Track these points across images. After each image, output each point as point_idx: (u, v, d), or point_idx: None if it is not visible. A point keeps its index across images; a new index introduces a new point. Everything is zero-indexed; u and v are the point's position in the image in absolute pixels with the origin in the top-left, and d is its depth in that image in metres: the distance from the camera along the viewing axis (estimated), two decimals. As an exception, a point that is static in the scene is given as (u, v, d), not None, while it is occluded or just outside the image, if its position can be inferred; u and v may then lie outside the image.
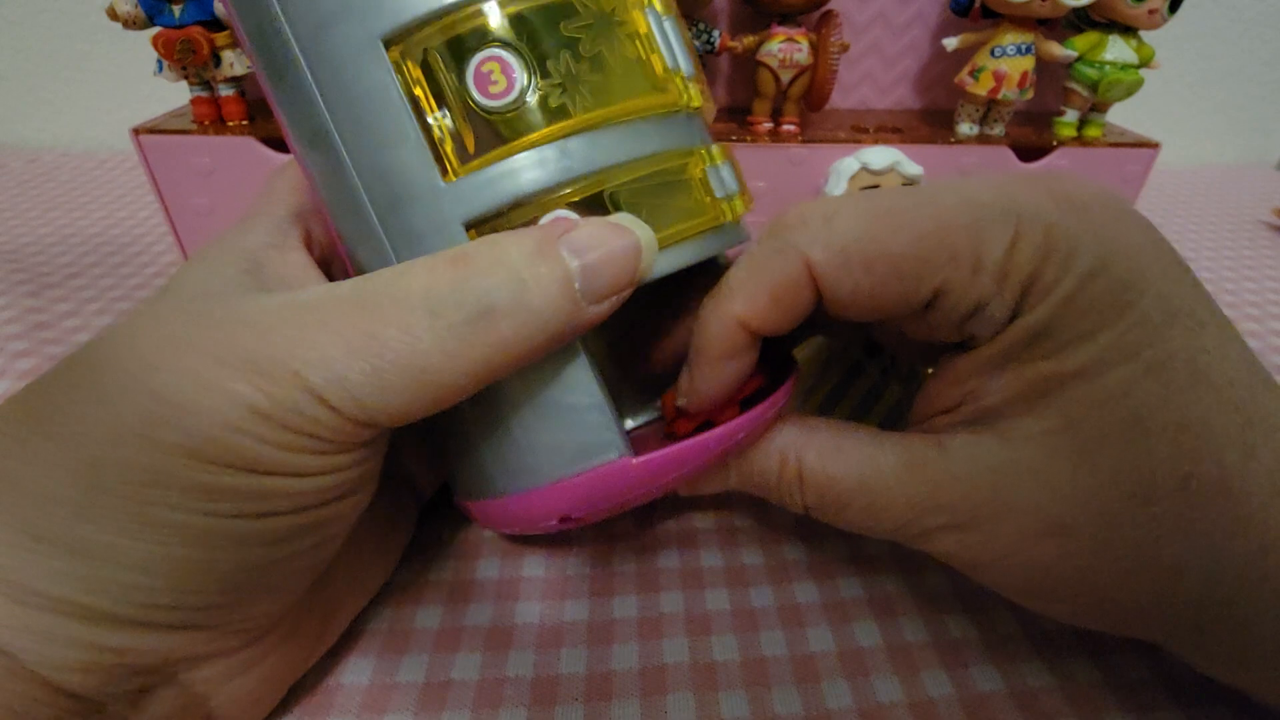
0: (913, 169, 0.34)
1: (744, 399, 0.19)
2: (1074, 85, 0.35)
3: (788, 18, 0.33)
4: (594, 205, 0.15)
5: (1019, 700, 0.18)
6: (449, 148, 0.15)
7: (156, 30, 0.31)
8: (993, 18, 0.34)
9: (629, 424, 0.22)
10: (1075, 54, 0.34)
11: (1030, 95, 0.35)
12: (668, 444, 0.17)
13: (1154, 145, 0.36)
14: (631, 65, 0.16)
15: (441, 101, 0.15)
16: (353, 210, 0.16)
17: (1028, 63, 0.34)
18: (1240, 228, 0.48)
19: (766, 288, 0.16)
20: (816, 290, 0.16)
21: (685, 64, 0.18)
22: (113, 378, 0.13)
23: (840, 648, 0.19)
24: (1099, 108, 0.36)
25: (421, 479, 0.22)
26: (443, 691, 0.18)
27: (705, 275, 0.20)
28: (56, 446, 0.12)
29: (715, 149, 0.18)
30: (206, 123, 0.34)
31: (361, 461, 0.15)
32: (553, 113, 0.15)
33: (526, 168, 0.15)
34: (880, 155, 0.33)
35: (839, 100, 0.40)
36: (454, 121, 0.15)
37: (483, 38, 0.15)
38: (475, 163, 0.15)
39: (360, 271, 0.17)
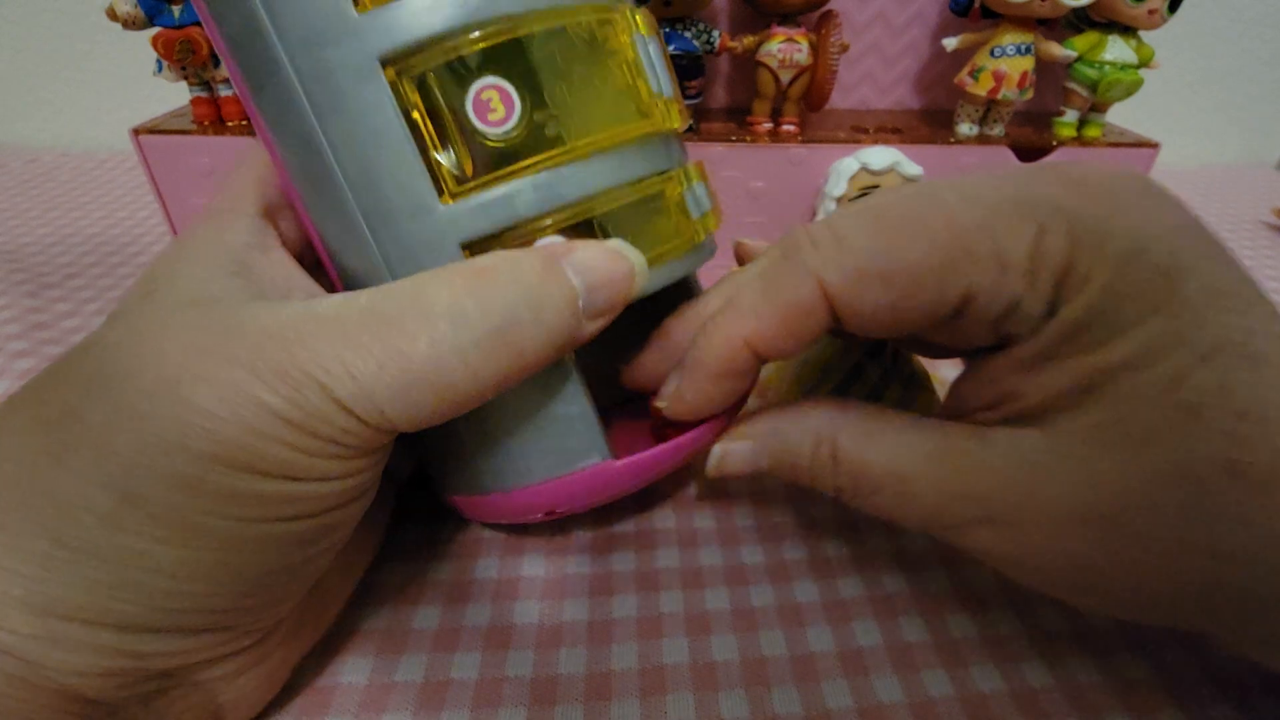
0: (912, 169, 0.34)
1: None
2: (1074, 85, 0.35)
3: (788, 18, 0.33)
4: (583, 229, 0.16)
5: (1019, 700, 0.18)
6: (446, 171, 0.15)
7: (156, 30, 0.31)
8: (992, 18, 0.34)
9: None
10: (1075, 54, 0.34)
11: (1030, 95, 0.35)
12: (647, 446, 0.19)
13: (1154, 145, 0.36)
14: (620, 92, 0.17)
15: (439, 125, 0.15)
16: (340, 219, 0.16)
17: (1027, 63, 0.34)
18: (1240, 228, 0.48)
19: (779, 311, 0.16)
20: (830, 313, 0.16)
21: (666, 86, 0.18)
22: (138, 385, 0.13)
23: (840, 647, 0.19)
24: (1099, 108, 0.36)
25: (397, 460, 0.22)
26: (441, 691, 0.18)
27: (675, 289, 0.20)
28: (85, 456, 0.12)
29: (691, 167, 0.19)
30: (206, 123, 0.34)
31: (376, 464, 0.15)
32: (549, 141, 0.15)
33: (522, 193, 0.16)
34: (880, 155, 0.33)
35: (839, 100, 0.40)
36: (452, 146, 0.15)
37: (482, 65, 0.15)
38: (472, 185, 0.15)
39: (348, 275, 0.17)
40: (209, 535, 0.13)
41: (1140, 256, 0.14)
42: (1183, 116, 0.62)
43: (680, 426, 0.19)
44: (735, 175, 0.35)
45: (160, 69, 0.32)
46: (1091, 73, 0.34)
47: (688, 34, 0.33)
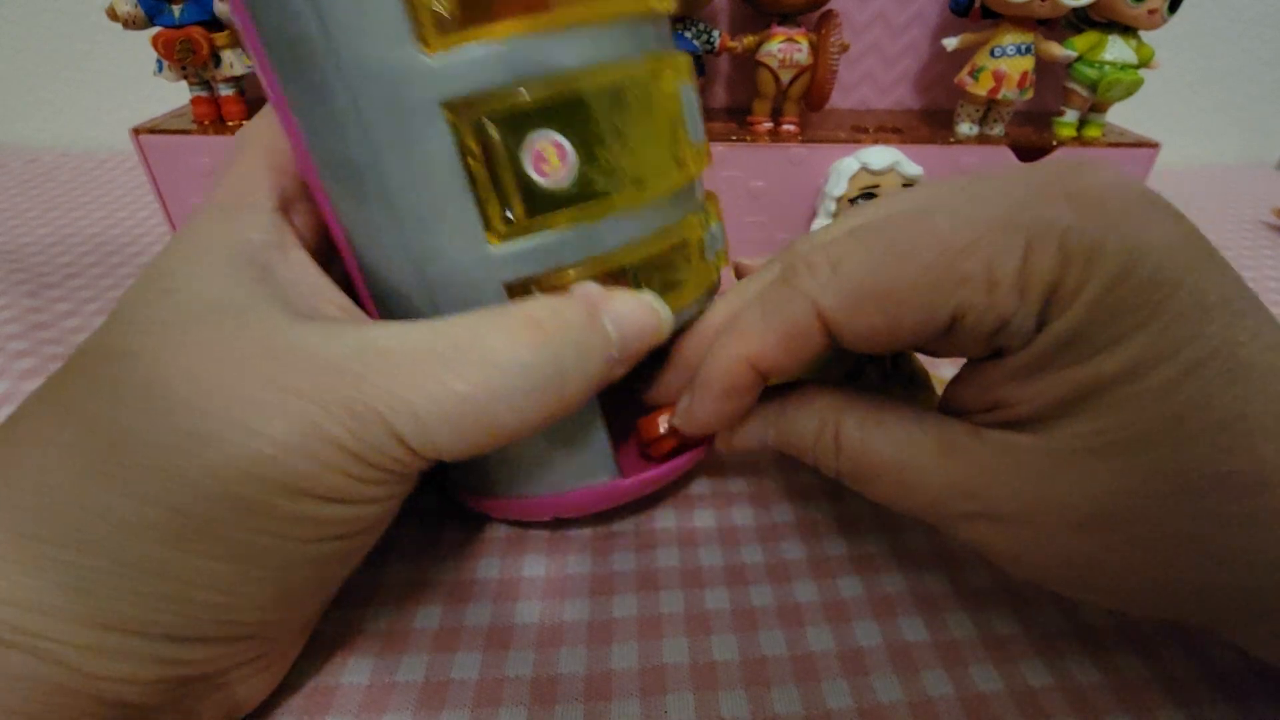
0: (912, 169, 0.34)
1: None
2: (1074, 85, 0.35)
3: (788, 18, 0.33)
4: (618, 276, 0.17)
5: (1019, 700, 0.18)
6: (495, 213, 0.16)
7: (156, 30, 0.31)
8: (992, 18, 0.34)
9: None
10: (1075, 54, 0.34)
11: (1030, 95, 0.35)
12: (650, 465, 0.21)
13: (1154, 145, 0.36)
14: (663, 142, 0.17)
15: (494, 171, 0.15)
16: (384, 243, 0.17)
17: (1027, 63, 0.34)
18: (1240, 228, 0.48)
19: (778, 333, 0.17)
20: (826, 334, 0.16)
21: (699, 131, 0.19)
22: (197, 407, 0.13)
23: (840, 647, 0.19)
24: (1099, 108, 0.36)
25: None
26: (442, 691, 0.18)
27: None
28: (147, 478, 0.13)
29: (710, 207, 0.20)
30: (206, 123, 0.34)
31: (412, 485, 0.16)
32: (597, 192, 0.16)
33: (566, 241, 0.16)
34: (880, 155, 0.33)
35: (839, 100, 0.40)
36: (505, 192, 0.16)
37: (540, 117, 0.15)
38: (520, 230, 0.16)
39: (382, 292, 0.18)
40: (266, 554, 0.14)
41: (1132, 272, 0.14)
42: (1183, 116, 0.62)
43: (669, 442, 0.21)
44: (735, 175, 0.35)
45: (160, 69, 0.32)
46: (1091, 73, 0.34)
47: (688, 34, 0.33)
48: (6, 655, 0.12)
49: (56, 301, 0.35)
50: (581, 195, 0.16)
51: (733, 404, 0.18)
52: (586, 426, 0.19)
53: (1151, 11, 0.32)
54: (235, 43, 0.33)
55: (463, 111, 0.15)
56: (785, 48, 0.33)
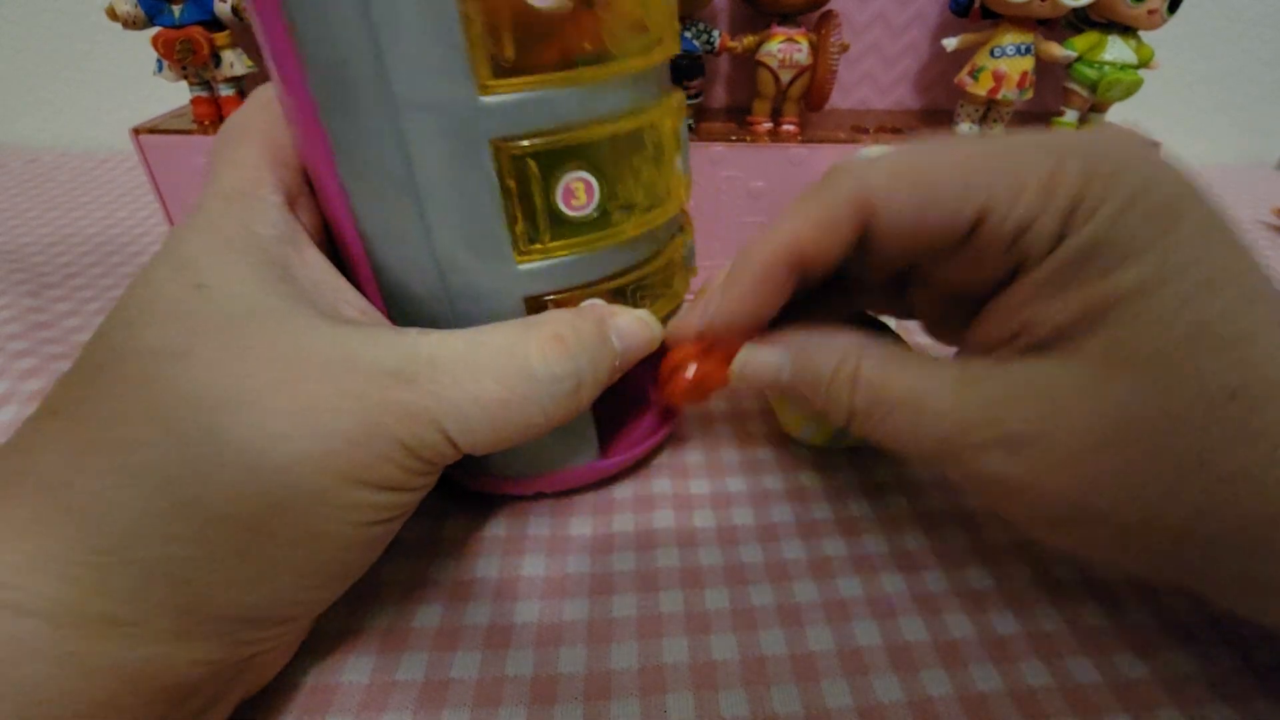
0: (912, 169, 0.34)
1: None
2: (1073, 85, 0.35)
3: (788, 18, 0.33)
4: (618, 295, 0.20)
5: (1019, 700, 0.18)
6: (524, 236, 0.18)
7: (156, 30, 0.31)
8: (992, 18, 0.34)
9: None
10: (1075, 54, 0.34)
11: (1030, 95, 0.35)
12: (623, 449, 0.24)
13: (1154, 145, 0.36)
14: (661, 175, 0.19)
15: (526, 200, 0.17)
16: (404, 246, 0.18)
17: (1027, 63, 0.34)
18: (1240, 228, 0.48)
19: (815, 211, 0.18)
20: (860, 221, 0.17)
21: (685, 164, 0.21)
22: (270, 404, 0.14)
23: (840, 647, 0.19)
24: (1098, 108, 0.36)
25: None
26: (442, 690, 0.18)
27: None
28: (229, 473, 0.14)
29: (687, 227, 0.23)
30: (206, 123, 0.34)
31: (440, 472, 0.17)
32: (612, 224, 0.18)
33: (582, 263, 0.19)
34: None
35: (839, 100, 0.40)
36: (536, 219, 0.17)
37: (573, 155, 0.17)
38: (544, 252, 0.18)
39: (395, 290, 0.19)
40: (329, 538, 0.15)
41: (1147, 194, 0.15)
42: (1183, 116, 0.62)
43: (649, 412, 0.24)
44: (735, 175, 0.35)
45: (160, 69, 0.32)
46: (1091, 73, 0.34)
47: (688, 34, 0.33)
48: (100, 647, 0.13)
49: (57, 301, 0.35)
50: (599, 224, 0.18)
51: (763, 294, 0.19)
52: (581, 418, 0.22)
53: (1151, 12, 0.32)
54: (235, 43, 0.33)
55: (507, 148, 0.16)
56: (785, 48, 0.33)
